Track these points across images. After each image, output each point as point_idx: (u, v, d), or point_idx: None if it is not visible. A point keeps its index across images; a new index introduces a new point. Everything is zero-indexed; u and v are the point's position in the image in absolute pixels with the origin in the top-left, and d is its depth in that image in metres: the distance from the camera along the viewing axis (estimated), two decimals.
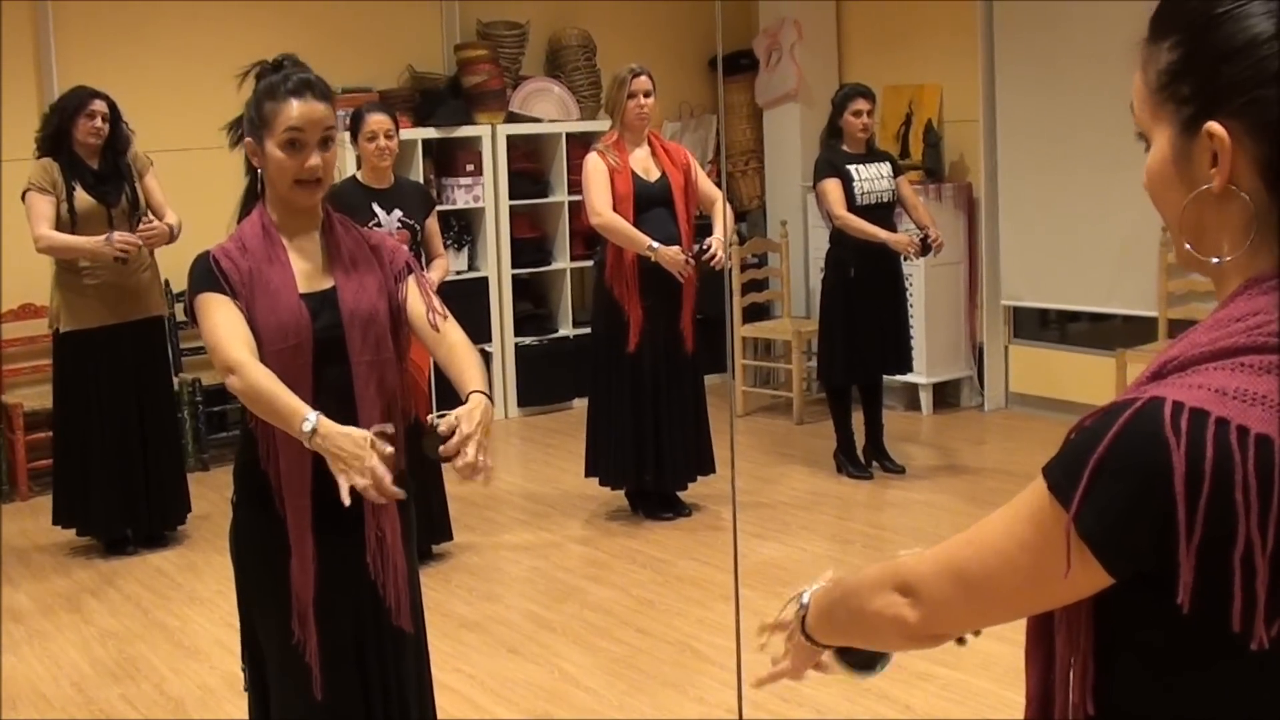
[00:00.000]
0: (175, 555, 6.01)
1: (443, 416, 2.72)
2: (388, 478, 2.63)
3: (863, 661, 1.71)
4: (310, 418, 2.66)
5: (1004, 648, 4.48)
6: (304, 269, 2.95)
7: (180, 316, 7.23)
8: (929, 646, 1.49)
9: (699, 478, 6.21)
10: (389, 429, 2.74)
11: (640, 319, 5.90)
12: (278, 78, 2.91)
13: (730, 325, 8.03)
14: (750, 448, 7.41)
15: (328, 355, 2.90)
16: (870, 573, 1.51)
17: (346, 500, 2.64)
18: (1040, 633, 1.41)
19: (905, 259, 6.54)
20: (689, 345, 6.02)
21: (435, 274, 5.52)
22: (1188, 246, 1.34)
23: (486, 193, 8.25)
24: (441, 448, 2.68)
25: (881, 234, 6.35)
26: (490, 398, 2.81)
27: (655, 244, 5.74)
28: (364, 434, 2.65)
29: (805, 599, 1.69)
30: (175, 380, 6.65)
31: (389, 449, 2.66)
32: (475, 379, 2.84)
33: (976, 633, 1.52)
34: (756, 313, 8.59)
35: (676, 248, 5.80)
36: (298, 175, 2.89)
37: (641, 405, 6.01)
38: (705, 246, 5.75)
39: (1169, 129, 1.32)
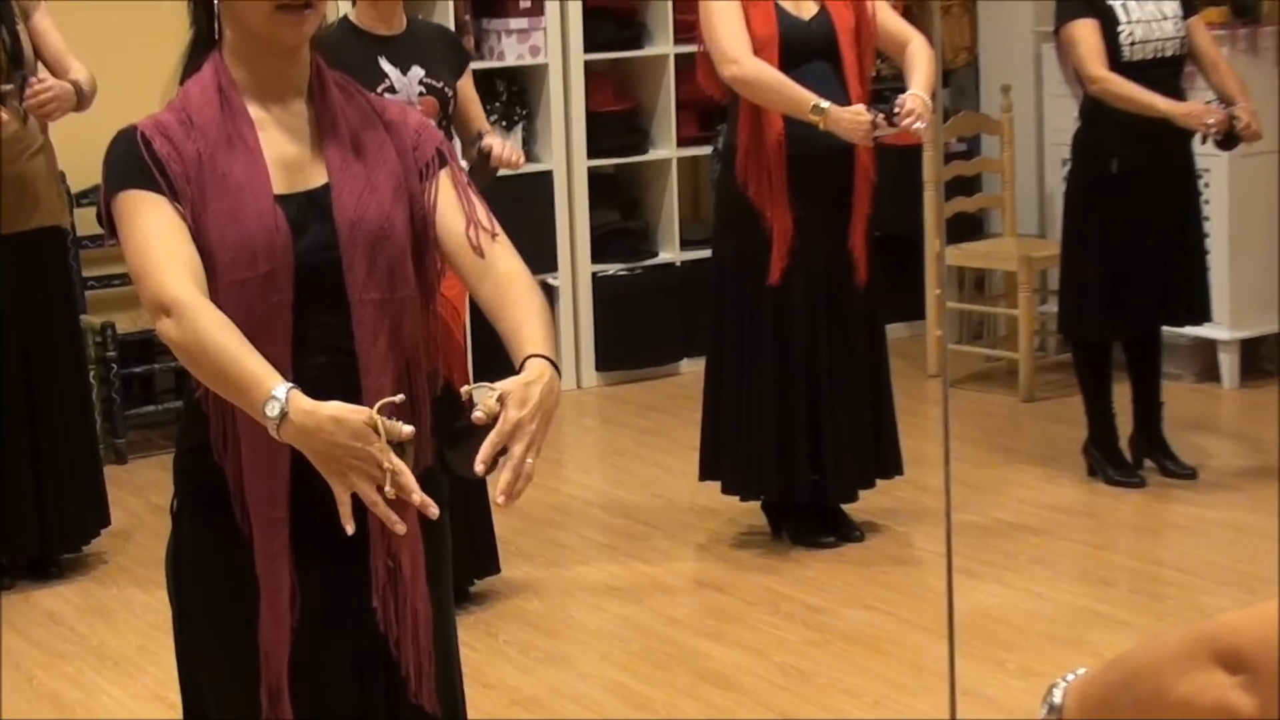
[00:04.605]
0: (76, 592, 6.04)
1: (480, 393, 2.73)
2: (411, 482, 2.65)
3: None
4: (278, 393, 2.66)
5: None
6: (282, 156, 2.94)
7: (88, 229, 7.31)
8: None
9: (876, 483, 6.20)
10: (398, 400, 2.75)
11: (789, 235, 5.88)
12: None
13: (930, 245, 7.99)
14: (955, 437, 7.31)
15: (316, 290, 2.90)
16: (1170, 642, 1.50)
17: (349, 525, 2.69)
18: None
19: (1201, 142, 6.43)
20: (862, 276, 6.01)
21: (499, 151, 5.48)
22: None
23: (550, 43, 8.26)
24: (479, 462, 2.68)
25: (1164, 104, 6.28)
26: (556, 364, 2.81)
27: (825, 103, 5.72)
28: (366, 415, 2.65)
29: (1057, 698, 1.67)
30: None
31: (407, 429, 2.67)
32: (535, 334, 2.85)
33: None
34: (963, 228, 8.55)
35: (859, 106, 5.75)
36: None
37: (790, 372, 5.99)
38: (897, 104, 5.71)
39: None
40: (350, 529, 2.68)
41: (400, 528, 2.73)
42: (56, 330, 6.15)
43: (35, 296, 6.07)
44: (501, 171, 5.41)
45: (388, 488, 2.65)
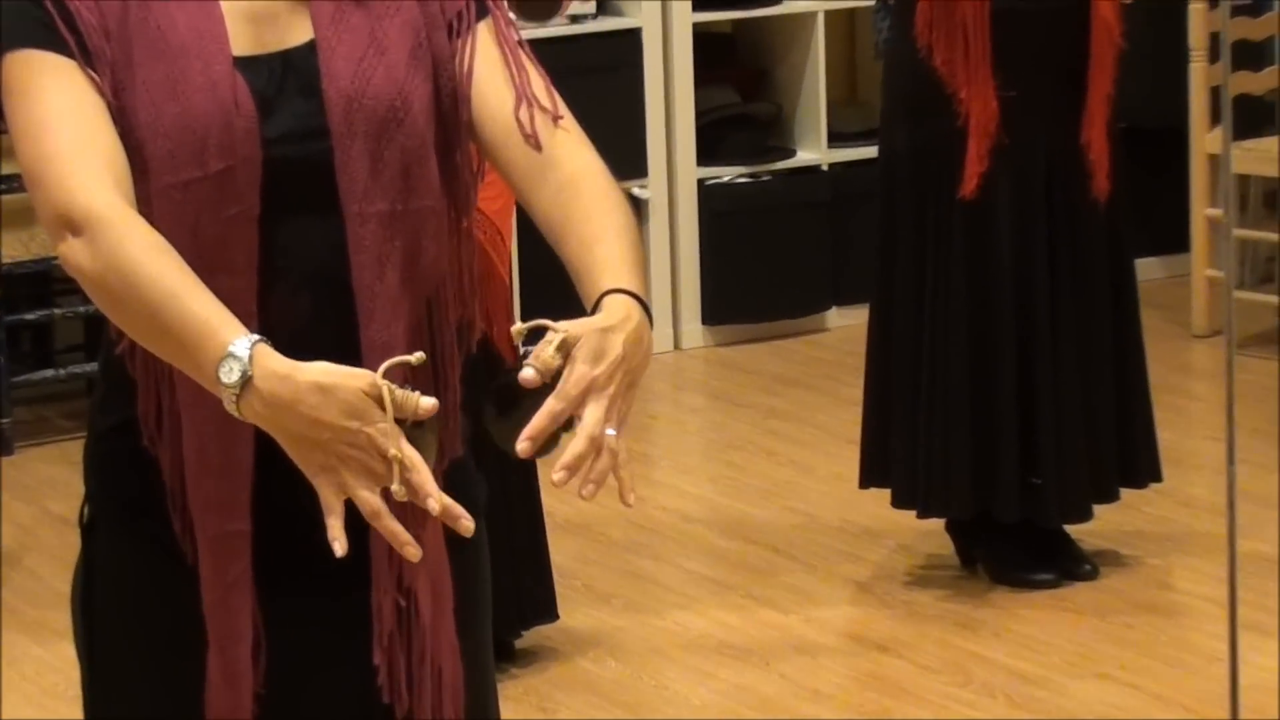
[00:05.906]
0: None
1: (534, 339, 2.74)
2: (428, 481, 2.64)
3: None
4: (238, 348, 2.66)
5: None
6: (245, 5, 2.95)
7: None
8: None
9: (1120, 494, 6.21)
10: (415, 360, 2.76)
11: (993, 126, 5.89)
12: None
13: (1199, 143, 7.97)
14: (1239, 427, 7.31)
15: (294, 198, 2.92)
16: None
17: (338, 546, 2.66)
18: None
19: None
20: (1102, 187, 6.00)
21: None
22: None
23: None
24: (523, 438, 2.68)
25: None
26: (646, 304, 2.83)
27: None
28: (366, 382, 2.66)
29: None
30: None
31: (427, 402, 2.67)
32: (615, 260, 2.88)
33: None
34: (1249, 117, 8.50)
35: None
36: None
37: (993, 329, 5.99)
38: None
39: None
40: (340, 550, 2.67)
41: (414, 553, 2.70)
42: None
43: None
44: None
45: (395, 486, 2.64)
